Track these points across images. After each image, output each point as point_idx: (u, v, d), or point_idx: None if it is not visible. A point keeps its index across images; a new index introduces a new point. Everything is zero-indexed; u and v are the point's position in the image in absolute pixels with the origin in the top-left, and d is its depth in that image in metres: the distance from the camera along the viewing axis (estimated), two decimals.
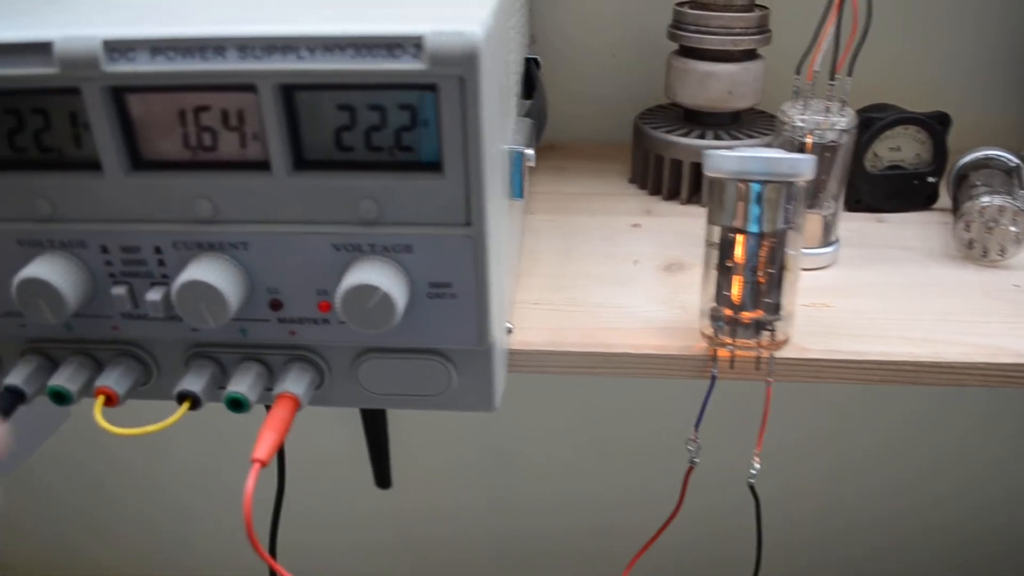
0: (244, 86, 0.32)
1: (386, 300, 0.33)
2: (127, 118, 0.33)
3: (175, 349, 0.38)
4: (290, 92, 0.32)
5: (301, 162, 0.33)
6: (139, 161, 0.34)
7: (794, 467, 0.89)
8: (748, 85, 0.58)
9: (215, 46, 0.31)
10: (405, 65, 0.30)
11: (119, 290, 0.36)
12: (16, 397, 0.37)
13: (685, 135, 0.59)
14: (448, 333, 0.36)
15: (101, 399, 0.37)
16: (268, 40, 0.30)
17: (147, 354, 0.38)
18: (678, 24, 0.58)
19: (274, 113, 0.32)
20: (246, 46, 0.30)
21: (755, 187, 0.40)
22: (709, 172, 0.41)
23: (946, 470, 0.92)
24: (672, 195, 0.60)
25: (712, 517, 0.80)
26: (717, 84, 0.57)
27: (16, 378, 0.37)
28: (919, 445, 0.90)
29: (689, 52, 0.58)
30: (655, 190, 0.61)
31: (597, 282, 0.50)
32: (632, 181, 0.64)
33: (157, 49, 0.31)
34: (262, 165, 0.33)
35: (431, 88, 0.31)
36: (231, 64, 0.31)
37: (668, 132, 0.59)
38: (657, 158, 0.60)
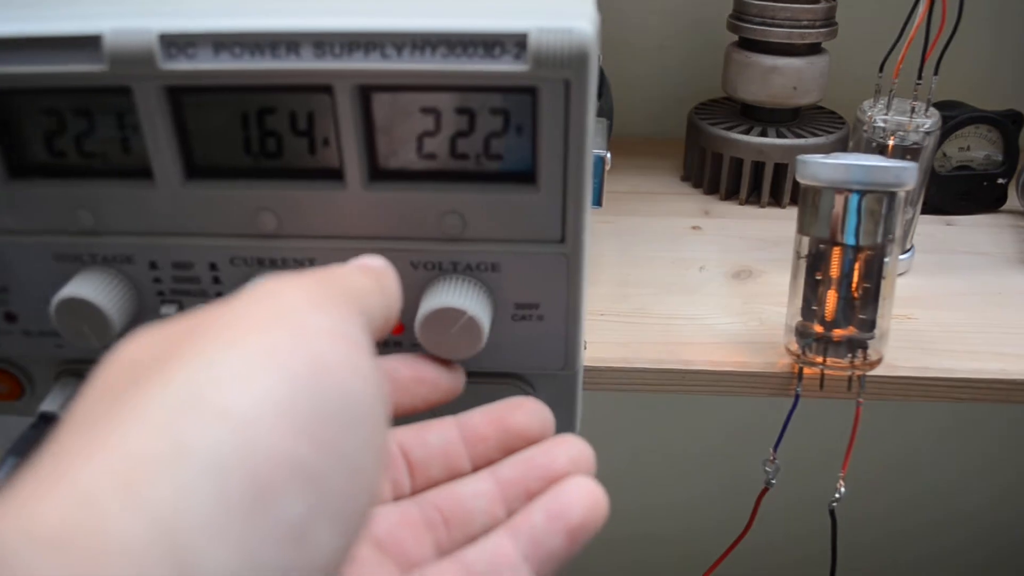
0: (318, 87, 0.28)
1: (471, 324, 0.30)
2: (182, 121, 0.29)
3: None
4: (368, 93, 0.28)
5: (377, 171, 0.30)
6: (194, 169, 0.30)
7: (868, 491, 0.86)
8: (813, 80, 0.55)
9: (288, 42, 0.27)
10: (505, 67, 0.27)
11: (169, 309, 0.32)
12: (53, 424, 0.34)
13: (746, 132, 0.55)
14: (532, 357, 0.33)
15: None
16: (349, 36, 0.27)
17: None
18: (740, 15, 0.55)
19: (351, 117, 0.28)
20: (323, 42, 0.27)
21: (854, 197, 0.37)
22: (804, 180, 0.37)
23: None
24: (730, 195, 0.57)
25: (784, 540, 0.77)
26: (781, 79, 0.54)
27: (52, 404, 0.34)
28: (999, 470, 0.88)
29: (751, 45, 0.55)
30: (711, 189, 0.58)
31: (664, 291, 0.47)
32: (686, 179, 0.60)
33: (221, 44, 0.27)
34: (334, 174, 0.30)
35: (530, 91, 0.28)
36: (306, 63, 0.27)
37: (728, 129, 0.56)
38: (715, 156, 0.57)
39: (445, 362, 0.30)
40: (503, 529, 0.24)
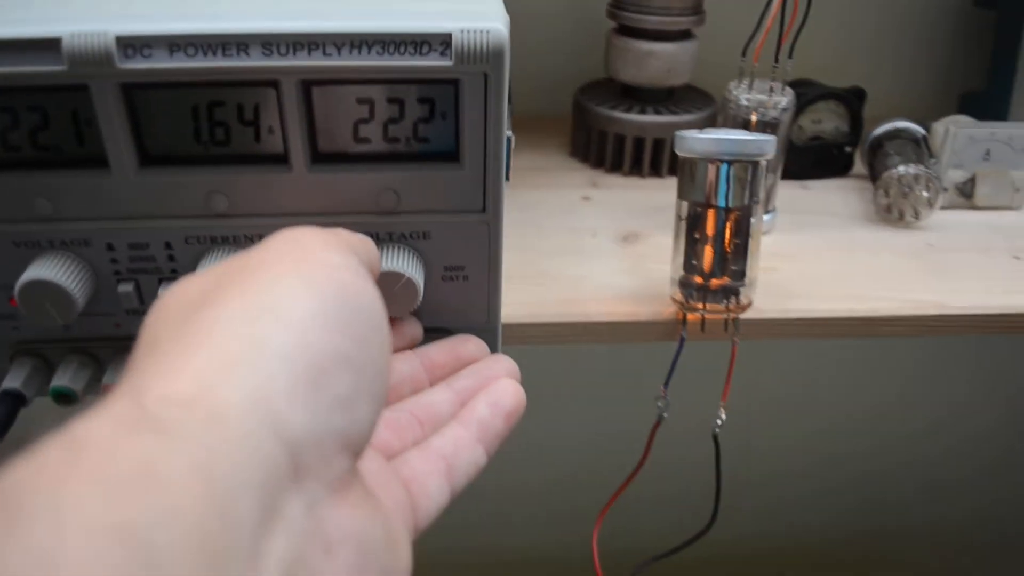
0: (265, 82, 0.32)
1: (410, 284, 0.34)
2: (136, 114, 0.32)
3: None
4: (309, 87, 0.32)
5: (318, 155, 0.34)
6: (148, 157, 0.33)
7: (758, 427, 0.95)
8: (684, 64, 0.61)
9: (238, 43, 0.31)
10: (432, 62, 0.31)
11: (126, 287, 0.35)
12: (18, 400, 0.36)
13: (627, 111, 0.61)
14: (459, 313, 0.38)
15: None
16: (293, 37, 0.31)
17: None
18: (618, 4, 0.60)
19: (295, 108, 0.32)
20: (270, 43, 0.31)
21: (724, 166, 0.43)
22: (682, 152, 0.43)
23: (887, 422, 1.00)
24: (614, 168, 0.63)
25: (679, 470, 0.85)
26: (656, 62, 0.60)
27: (15, 381, 0.36)
28: (884, 417, 0.99)
29: (629, 31, 0.61)
30: (598, 163, 0.64)
31: (563, 255, 0.52)
32: (573, 155, 0.66)
33: (176, 45, 0.31)
34: (280, 159, 0.33)
35: (453, 83, 0.32)
36: (255, 61, 0.31)
37: (610, 108, 0.62)
38: (600, 133, 0.62)
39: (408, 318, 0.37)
40: (456, 421, 0.33)
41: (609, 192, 0.61)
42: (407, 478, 0.30)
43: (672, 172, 0.62)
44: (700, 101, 0.64)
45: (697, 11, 0.60)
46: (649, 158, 0.62)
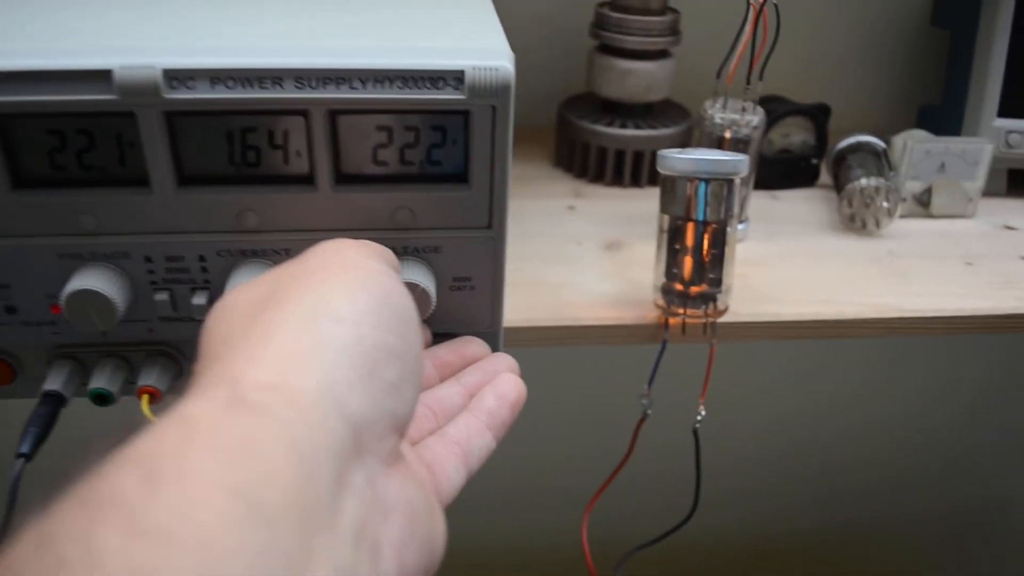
0: (295, 111, 0.35)
1: (425, 294, 0.38)
2: (175, 138, 0.36)
3: None
4: (335, 116, 0.36)
5: (341, 176, 0.37)
6: (185, 177, 0.37)
7: (734, 421, 1.00)
8: (662, 81, 0.65)
9: (273, 76, 0.34)
10: (447, 96, 0.35)
11: (162, 296, 0.39)
12: (59, 401, 0.39)
13: (608, 125, 0.65)
14: (466, 319, 0.41)
15: (147, 397, 0.39)
16: (323, 72, 0.34)
17: (178, 352, 0.41)
18: (600, 24, 0.64)
19: (323, 135, 0.36)
20: (303, 77, 0.34)
21: (702, 184, 0.47)
22: (663, 170, 0.47)
23: (852, 415, 1.06)
24: (597, 178, 0.67)
25: (660, 464, 0.89)
26: (636, 80, 0.64)
27: (55, 383, 0.39)
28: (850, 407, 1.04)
29: (610, 50, 0.65)
30: (581, 173, 0.68)
31: (551, 263, 0.56)
32: (558, 165, 0.70)
33: (217, 78, 0.34)
34: (306, 179, 0.37)
35: (464, 113, 0.36)
36: (288, 93, 0.34)
37: (593, 122, 0.66)
38: (583, 145, 0.66)
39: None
40: (467, 411, 0.37)
41: (592, 202, 0.65)
42: (429, 461, 0.33)
43: (651, 183, 0.67)
44: (677, 115, 0.68)
45: (674, 32, 0.64)
46: (630, 170, 0.66)
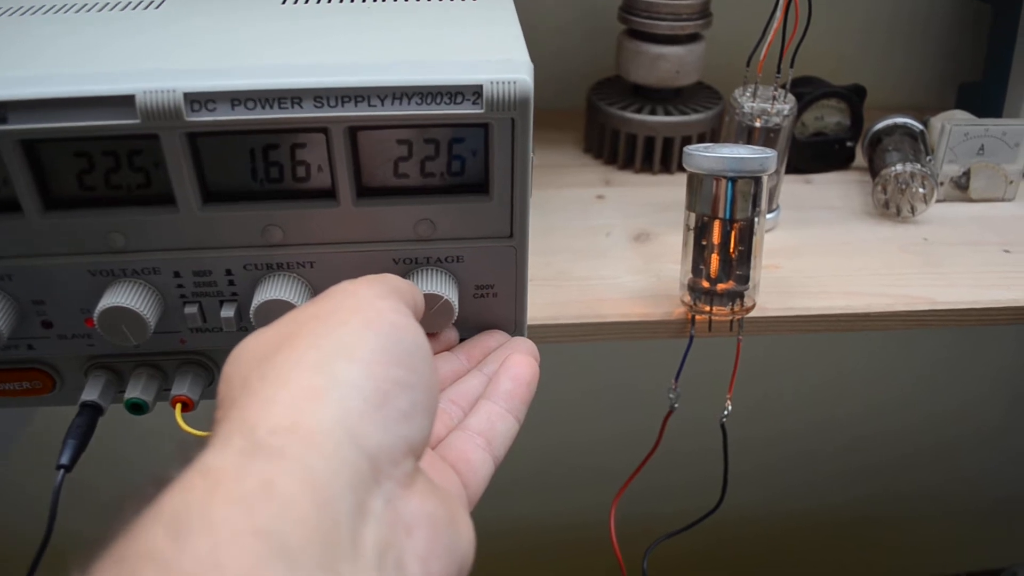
0: (316, 128, 0.35)
1: (447, 305, 0.38)
2: (199, 158, 0.36)
3: None
4: (356, 132, 0.36)
5: (363, 190, 0.38)
6: (210, 195, 0.37)
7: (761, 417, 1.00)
8: (693, 64, 0.64)
9: (292, 97, 0.34)
10: (466, 110, 0.35)
11: (191, 309, 0.39)
12: (96, 411, 0.40)
13: (638, 111, 0.65)
14: (490, 323, 0.42)
15: (179, 406, 0.40)
16: (342, 91, 0.34)
17: (211, 361, 0.42)
18: (628, 9, 0.63)
19: (343, 150, 0.36)
20: (321, 96, 0.34)
21: (729, 183, 0.46)
22: (690, 168, 0.47)
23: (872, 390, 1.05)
24: (626, 165, 0.67)
25: (687, 455, 0.90)
26: (666, 64, 0.63)
27: (92, 394, 0.41)
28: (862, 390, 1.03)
29: (639, 35, 0.64)
30: (610, 160, 0.67)
31: (579, 256, 0.56)
32: (587, 151, 0.69)
33: (237, 100, 0.34)
34: (327, 194, 0.37)
35: (483, 126, 0.36)
36: (307, 112, 0.34)
37: (623, 108, 0.65)
38: (613, 132, 0.66)
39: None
40: (484, 398, 0.38)
41: (622, 190, 0.64)
42: (453, 460, 0.35)
43: (682, 169, 0.66)
44: (708, 99, 0.67)
45: (704, 14, 0.63)
46: (660, 156, 0.65)
